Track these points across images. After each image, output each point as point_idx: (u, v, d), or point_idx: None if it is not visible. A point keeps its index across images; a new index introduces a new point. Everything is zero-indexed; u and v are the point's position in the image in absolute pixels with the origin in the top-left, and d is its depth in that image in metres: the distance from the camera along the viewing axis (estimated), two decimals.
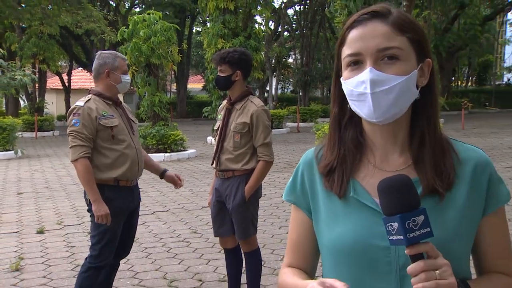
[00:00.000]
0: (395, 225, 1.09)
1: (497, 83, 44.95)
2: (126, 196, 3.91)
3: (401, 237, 1.08)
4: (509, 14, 43.75)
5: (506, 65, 48.22)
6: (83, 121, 3.70)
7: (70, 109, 3.84)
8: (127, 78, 4.02)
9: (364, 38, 1.21)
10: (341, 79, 1.28)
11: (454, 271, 1.12)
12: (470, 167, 1.26)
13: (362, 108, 1.22)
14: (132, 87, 18.09)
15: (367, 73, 1.19)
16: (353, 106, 1.26)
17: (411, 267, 1.10)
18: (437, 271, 1.09)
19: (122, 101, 4.21)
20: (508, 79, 46.90)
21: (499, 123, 24.44)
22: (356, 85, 1.21)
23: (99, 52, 4.05)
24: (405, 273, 1.13)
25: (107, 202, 3.73)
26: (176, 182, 4.30)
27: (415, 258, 1.10)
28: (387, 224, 1.11)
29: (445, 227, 1.21)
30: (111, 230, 3.81)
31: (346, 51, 1.25)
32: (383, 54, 1.20)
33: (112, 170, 3.80)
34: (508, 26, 47.28)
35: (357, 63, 1.22)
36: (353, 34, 1.23)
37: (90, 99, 3.85)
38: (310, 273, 1.43)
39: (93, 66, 3.98)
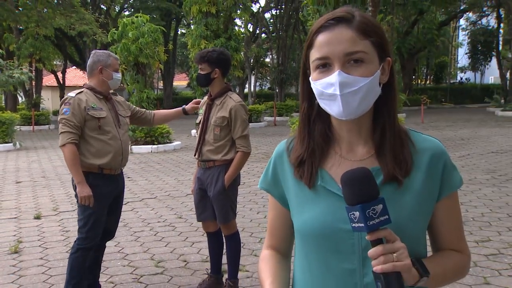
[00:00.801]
0: (357, 213, 1.09)
1: (451, 81, 45.41)
2: (110, 183, 3.90)
3: (362, 224, 1.09)
4: (461, 20, 44.35)
5: (459, 65, 48.73)
6: (72, 110, 3.71)
7: (62, 99, 3.85)
8: (118, 75, 4.02)
9: (331, 43, 1.20)
10: (310, 79, 1.26)
11: (410, 249, 1.14)
12: (427, 156, 1.27)
13: (332, 107, 1.22)
14: (122, 84, 17.91)
15: (336, 76, 1.18)
16: (323, 105, 1.25)
17: (372, 251, 1.11)
18: (395, 254, 1.10)
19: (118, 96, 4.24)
20: (461, 78, 47.46)
21: (454, 117, 24.78)
22: (326, 87, 1.20)
23: (94, 51, 4.05)
24: (367, 254, 1.14)
25: (92, 188, 3.73)
26: (195, 106, 4.30)
27: (375, 242, 1.11)
28: (350, 213, 1.11)
29: (403, 210, 1.22)
30: (96, 214, 3.80)
31: (314, 54, 1.23)
32: (350, 57, 1.19)
33: (97, 158, 3.79)
34: (460, 31, 47.85)
35: (325, 65, 1.21)
36: (321, 38, 1.22)
37: (82, 91, 3.87)
38: (286, 253, 1.44)
39: (88, 63, 3.98)
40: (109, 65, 3.92)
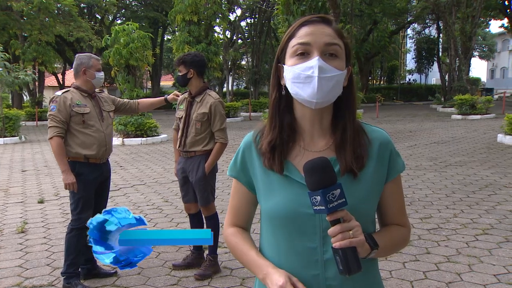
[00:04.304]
0: (318, 198, 1.09)
1: (401, 82, 45.95)
2: (94, 171, 3.83)
3: (323, 207, 1.09)
4: (408, 30, 44.87)
5: (407, 68, 49.36)
6: (58, 107, 3.66)
7: (51, 97, 3.78)
8: (101, 74, 3.92)
9: (314, 33, 1.20)
10: (285, 66, 1.24)
11: (362, 226, 1.15)
12: (376, 145, 1.27)
13: (306, 89, 1.19)
14: (114, 84, 17.67)
15: (315, 61, 1.17)
16: (295, 89, 1.22)
17: (331, 230, 1.11)
18: (351, 232, 1.11)
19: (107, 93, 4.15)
20: (409, 79, 48.06)
21: (403, 113, 25.11)
22: (305, 69, 1.18)
23: (77, 55, 3.96)
24: (326, 233, 1.15)
25: (79, 175, 3.69)
26: (175, 97, 4.25)
27: (334, 222, 1.11)
28: (312, 197, 1.11)
29: (357, 195, 1.22)
30: (84, 198, 3.76)
31: (296, 41, 1.22)
32: (328, 48, 1.19)
33: (82, 149, 3.74)
34: (408, 39, 48.51)
35: (303, 54, 1.20)
36: (305, 30, 1.22)
37: (68, 90, 3.81)
38: (248, 229, 1.43)
39: (73, 66, 3.90)
40: (91, 66, 3.84)
